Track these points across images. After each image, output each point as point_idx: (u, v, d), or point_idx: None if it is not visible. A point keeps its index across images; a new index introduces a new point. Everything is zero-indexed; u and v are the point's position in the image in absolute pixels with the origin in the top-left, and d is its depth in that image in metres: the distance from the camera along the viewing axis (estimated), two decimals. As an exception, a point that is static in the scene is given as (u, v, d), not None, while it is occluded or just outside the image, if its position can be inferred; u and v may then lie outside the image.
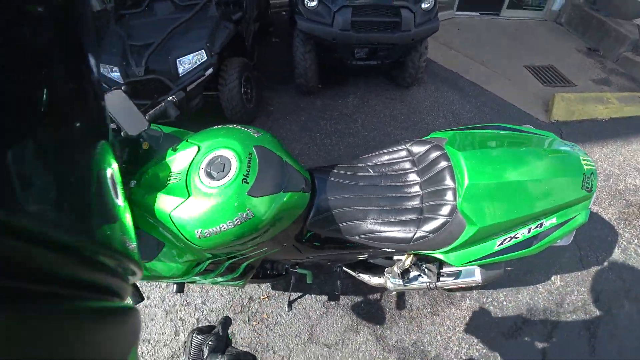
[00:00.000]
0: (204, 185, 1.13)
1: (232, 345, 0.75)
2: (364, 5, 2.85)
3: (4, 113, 0.20)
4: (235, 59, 2.83)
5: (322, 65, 3.28)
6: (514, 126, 1.55)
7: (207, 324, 0.83)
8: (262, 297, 2.18)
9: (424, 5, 3.06)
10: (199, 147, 1.24)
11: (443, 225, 1.28)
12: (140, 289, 1.44)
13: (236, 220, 1.10)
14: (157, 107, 1.37)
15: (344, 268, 1.90)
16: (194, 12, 2.72)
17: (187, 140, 1.33)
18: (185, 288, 2.22)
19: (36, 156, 0.21)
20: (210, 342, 0.71)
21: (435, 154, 1.42)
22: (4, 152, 0.19)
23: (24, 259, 0.18)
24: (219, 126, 1.37)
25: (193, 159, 1.21)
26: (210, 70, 2.56)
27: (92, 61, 0.32)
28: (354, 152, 2.91)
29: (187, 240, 1.16)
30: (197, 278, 1.50)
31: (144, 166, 1.43)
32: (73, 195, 0.25)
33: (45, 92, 0.24)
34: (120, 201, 0.33)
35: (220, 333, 0.73)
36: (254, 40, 3.53)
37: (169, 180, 1.24)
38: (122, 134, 1.24)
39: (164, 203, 1.20)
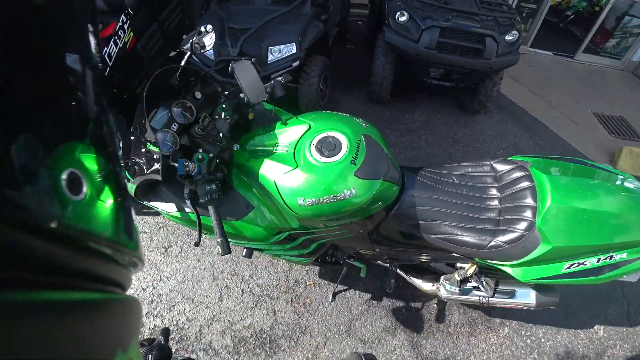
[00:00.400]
0: (315, 160, 1.25)
1: (174, 354, 0.83)
2: (452, 28, 2.94)
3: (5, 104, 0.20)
4: (319, 57, 2.97)
5: (395, 78, 3.38)
6: (595, 163, 1.58)
7: (148, 337, 0.97)
8: (308, 283, 2.26)
9: (508, 37, 3.10)
10: (309, 125, 1.37)
11: (518, 238, 1.33)
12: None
13: (339, 195, 1.21)
14: (267, 85, 1.51)
15: (399, 270, 1.97)
16: (292, 7, 2.90)
17: (297, 118, 1.47)
18: (236, 259, 2.35)
19: (30, 146, 0.21)
20: (154, 353, 0.77)
21: (518, 174, 1.48)
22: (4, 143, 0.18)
23: (26, 250, 0.18)
24: (329, 111, 1.50)
25: (303, 134, 1.35)
26: (297, 63, 2.71)
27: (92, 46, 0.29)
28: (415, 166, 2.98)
29: (287, 206, 1.28)
30: (269, 247, 1.62)
31: (246, 133, 1.58)
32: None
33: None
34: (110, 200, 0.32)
35: (162, 343, 0.80)
36: (333, 44, 3.68)
37: (275, 148, 1.38)
38: (245, 100, 1.39)
39: (270, 169, 1.32)
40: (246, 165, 1.38)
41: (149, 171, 1.26)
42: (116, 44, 2.96)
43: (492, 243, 1.38)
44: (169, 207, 1.49)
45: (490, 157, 1.62)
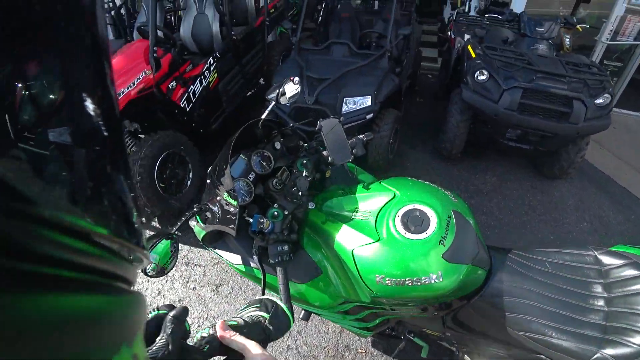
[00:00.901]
0: (399, 235, 1.14)
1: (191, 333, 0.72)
2: (536, 90, 2.77)
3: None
4: (391, 110, 2.95)
5: (468, 136, 3.23)
6: None
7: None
8: (359, 350, 2.08)
9: (599, 101, 2.85)
10: (394, 194, 1.26)
11: (635, 356, 1.09)
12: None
13: (424, 279, 1.08)
14: (349, 142, 1.47)
15: (466, 356, 1.73)
16: (369, 60, 2.96)
17: (380, 183, 1.39)
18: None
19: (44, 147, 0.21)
20: (170, 325, 0.68)
21: (632, 272, 1.24)
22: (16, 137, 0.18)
23: (30, 241, 0.18)
24: (414, 179, 1.40)
25: (387, 203, 1.24)
26: (370, 116, 2.70)
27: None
28: (485, 232, 2.74)
29: (363, 281, 1.17)
30: (330, 313, 1.50)
31: (322, 190, 1.53)
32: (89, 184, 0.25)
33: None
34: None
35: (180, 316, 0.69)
36: (404, 96, 3.68)
37: (355, 215, 1.29)
38: (329, 159, 1.36)
39: (348, 237, 1.23)
40: (321, 228, 1.31)
41: (223, 223, 1.24)
42: (201, 83, 3.19)
43: (598, 355, 1.13)
44: (235, 259, 1.45)
45: (592, 245, 1.40)
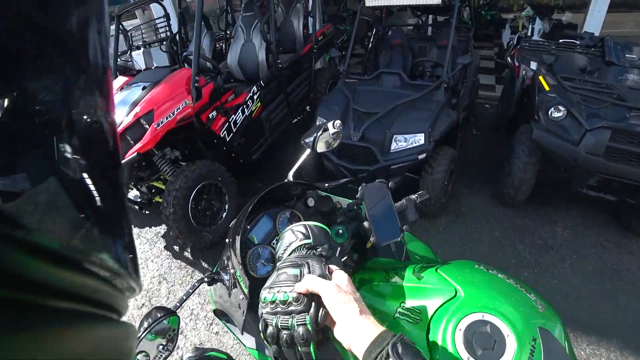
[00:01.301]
0: (458, 357, 0.83)
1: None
2: (629, 131, 2.30)
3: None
4: (447, 149, 2.61)
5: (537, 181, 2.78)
6: None
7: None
8: None
9: None
10: (456, 291, 0.89)
11: None
12: None
13: None
14: (396, 205, 1.18)
15: None
16: (424, 92, 2.67)
17: (437, 270, 1.05)
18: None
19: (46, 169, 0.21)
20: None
21: None
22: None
23: (22, 270, 0.18)
24: (483, 268, 1.05)
25: (446, 303, 0.88)
26: (423, 156, 2.39)
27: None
28: (556, 300, 2.28)
29: None
30: None
31: (358, 268, 1.24)
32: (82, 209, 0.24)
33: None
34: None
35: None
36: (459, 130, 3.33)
37: (399, 311, 0.98)
38: (371, 238, 1.08)
39: None
40: None
41: (231, 308, 1.01)
42: (243, 112, 3.09)
43: None
44: (248, 341, 1.21)
45: None
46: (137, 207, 2.79)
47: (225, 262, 1.13)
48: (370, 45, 5.08)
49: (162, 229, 3.21)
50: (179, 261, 2.83)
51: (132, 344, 0.33)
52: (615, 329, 2.14)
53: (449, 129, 2.57)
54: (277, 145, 3.67)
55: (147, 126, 2.47)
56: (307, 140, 1.40)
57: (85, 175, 0.24)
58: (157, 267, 2.81)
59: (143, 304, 2.54)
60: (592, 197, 2.61)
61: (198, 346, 0.59)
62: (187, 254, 2.87)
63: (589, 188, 2.59)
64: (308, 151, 1.41)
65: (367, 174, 2.48)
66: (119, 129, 2.47)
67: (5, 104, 0.18)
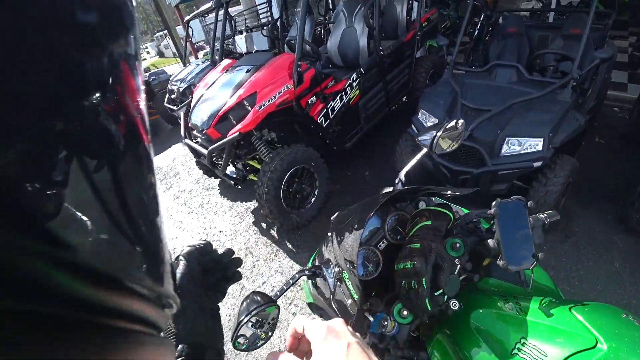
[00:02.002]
0: None
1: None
2: None
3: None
4: (567, 158, 2.28)
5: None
6: None
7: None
8: None
9: None
10: (596, 341, 0.75)
11: None
12: None
13: None
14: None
15: None
16: (546, 91, 2.35)
17: (570, 310, 0.85)
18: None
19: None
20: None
21: None
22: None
23: (65, 288, 0.18)
24: (629, 317, 0.82)
25: (579, 352, 0.74)
26: (538, 164, 2.12)
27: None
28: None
29: None
30: None
31: (471, 288, 1.13)
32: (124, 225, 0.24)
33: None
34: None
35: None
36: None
37: (519, 349, 0.86)
38: (499, 262, 0.96)
39: None
40: (462, 348, 0.93)
41: (334, 309, 0.99)
42: (341, 100, 3.07)
43: None
44: None
45: None
46: (232, 182, 2.97)
47: (326, 256, 1.11)
48: (476, 33, 4.66)
49: (252, 205, 3.41)
50: (265, 238, 2.99)
51: (171, 357, 0.33)
52: None
53: (572, 135, 2.23)
54: (371, 135, 3.60)
55: (249, 108, 2.59)
56: (423, 139, 1.31)
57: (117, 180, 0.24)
58: (245, 241, 3.01)
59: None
60: None
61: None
62: (274, 233, 3.02)
63: None
64: (424, 151, 1.32)
65: (470, 177, 2.29)
66: (223, 109, 2.63)
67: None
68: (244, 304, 0.86)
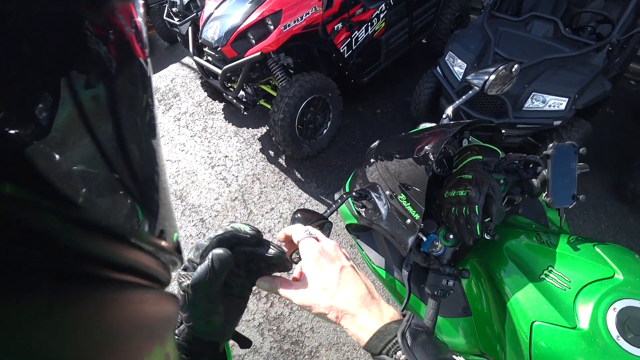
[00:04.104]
0: (608, 336, 0.80)
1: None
2: None
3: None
4: (584, 122, 2.31)
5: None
6: None
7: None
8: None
9: None
10: (614, 273, 0.89)
11: None
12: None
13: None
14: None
15: None
16: (581, 52, 2.30)
17: (594, 247, 0.99)
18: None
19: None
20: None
21: None
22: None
23: (76, 245, 0.19)
24: None
25: (599, 281, 0.89)
26: (558, 123, 2.15)
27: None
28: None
29: None
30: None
31: (504, 224, 1.22)
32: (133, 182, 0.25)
33: None
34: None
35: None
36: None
37: (548, 275, 0.99)
38: (546, 198, 1.04)
39: (532, 303, 0.90)
40: (494, 269, 1.05)
41: (390, 230, 1.05)
42: (366, 31, 2.92)
43: None
44: (377, 259, 1.30)
45: None
46: (242, 106, 2.87)
47: (371, 181, 1.16)
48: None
49: (259, 131, 3.36)
50: (272, 166, 3.00)
51: (174, 312, 0.34)
52: None
53: (596, 100, 2.24)
54: (386, 73, 3.49)
55: (272, 27, 2.43)
56: (476, 79, 1.31)
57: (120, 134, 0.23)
58: (252, 167, 3.01)
59: (236, 197, 2.79)
60: None
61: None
62: (282, 161, 3.03)
63: None
64: (475, 90, 1.32)
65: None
66: (243, 25, 2.45)
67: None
68: (296, 219, 0.88)
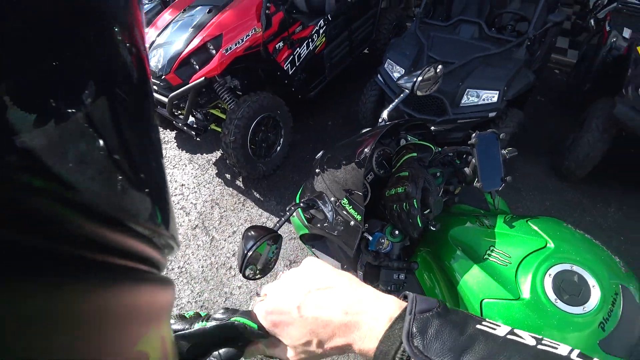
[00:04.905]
0: (547, 300, 0.88)
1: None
2: None
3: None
4: (516, 111, 2.50)
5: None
6: None
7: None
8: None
9: None
10: (547, 243, 0.98)
11: None
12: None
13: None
14: None
15: None
16: (504, 49, 2.50)
17: (527, 222, 1.12)
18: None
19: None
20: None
21: None
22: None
23: (71, 227, 0.19)
24: (572, 227, 1.08)
25: (534, 252, 0.97)
26: (493, 114, 2.31)
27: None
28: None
29: None
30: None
31: (447, 212, 1.29)
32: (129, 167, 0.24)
33: None
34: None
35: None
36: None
37: (490, 255, 1.06)
38: (477, 184, 1.11)
39: (479, 282, 0.97)
40: (443, 257, 1.10)
41: (335, 233, 1.08)
42: (308, 47, 3.00)
43: None
44: (333, 265, 1.32)
45: None
46: (193, 133, 2.82)
47: (318, 190, 1.19)
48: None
49: (214, 156, 3.32)
50: (230, 189, 2.96)
51: (171, 296, 0.34)
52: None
53: (523, 90, 2.44)
54: (332, 86, 3.59)
55: (214, 51, 2.44)
56: (404, 82, 1.38)
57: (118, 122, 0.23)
58: (210, 193, 2.95)
59: (196, 225, 2.71)
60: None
61: (229, 307, 0.58)
62: (239, 183, 2.99)
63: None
64: (406, 92, 1.40)
65: (432, 125, 2.44)
66: (185, 52, 2.45)
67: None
68: (247, 237, 0.90)
